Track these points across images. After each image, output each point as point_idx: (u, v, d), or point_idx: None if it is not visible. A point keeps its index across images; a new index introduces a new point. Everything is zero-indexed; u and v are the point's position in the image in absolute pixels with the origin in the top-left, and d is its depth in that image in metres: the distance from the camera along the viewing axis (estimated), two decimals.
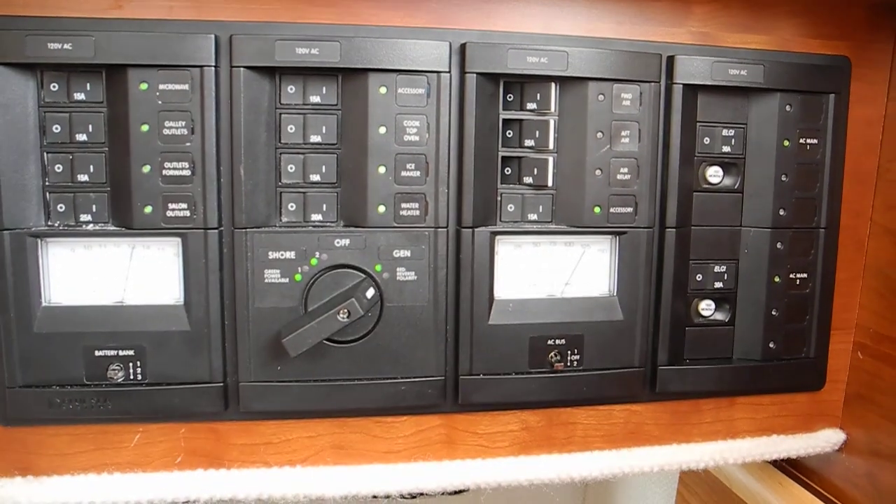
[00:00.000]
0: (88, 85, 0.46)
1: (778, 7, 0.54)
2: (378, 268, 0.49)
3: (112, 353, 0.47)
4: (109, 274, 0.48)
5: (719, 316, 0.55)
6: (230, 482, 0.50)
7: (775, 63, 0.52)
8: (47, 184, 0.47)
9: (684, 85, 0.51)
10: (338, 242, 0.48)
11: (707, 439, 0.57)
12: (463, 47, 0.48)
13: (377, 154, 0.47)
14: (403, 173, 0.48)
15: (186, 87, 0.46)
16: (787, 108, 0.53)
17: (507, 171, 0.50)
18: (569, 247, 0.52)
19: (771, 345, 0.55)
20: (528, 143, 0.50)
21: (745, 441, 0.57)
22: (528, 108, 0.50)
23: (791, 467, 0.63)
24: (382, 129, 0.47)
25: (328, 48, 0.46)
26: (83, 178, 0.47)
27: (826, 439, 0.58)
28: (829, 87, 0.53)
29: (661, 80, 0.51)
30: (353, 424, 0.52)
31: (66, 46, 0.44)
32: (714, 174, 0.53)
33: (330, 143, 0.48)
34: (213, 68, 0.46)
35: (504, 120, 0.50)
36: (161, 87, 0.45)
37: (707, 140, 0.53)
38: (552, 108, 0.50)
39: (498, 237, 0.50)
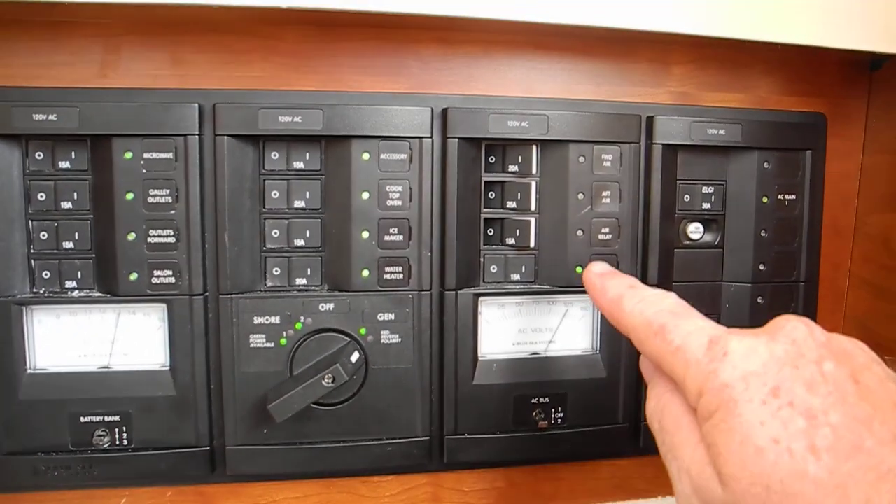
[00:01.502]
0: (73, 154, 0.46)
1: (753, 66, 0.55)
2: (363, 331, 0.49)
3: (98, 419, 0.48)
4: (95, 340, 0.48)
5: None
6: None
7: (752, 122, 0.53)
8: (32, 251, 0.47)
9: (664, 145, 0.52)
10: (322, 306, 0.49)
11: None
12: (445, 112, 0.49)
13: (360, 219, 0.48)
14: (387, 238, 0.48)
15: (171, 155, 0.46)
16: (766, 164, 0.54)
17: (490, 231, 0.51)
18: (552, 306, 0.53)
19: None
20: (511, 204, 0.51)
21: None
22: (509, 170, 0.51)
23: None
24: (365, 195, 0.48)
25: (311, 116, 0.47)
26: (68, 245, 0.47)
27: None
28: (806, 143, 0.54)
29: (641, 141, 0.52)
30: (339, 484, 0.52)
31: (51, 117, 0.45)
32: (695, 230, 0.54)
33: (314, 207, 0.49)
34: (196, 137, 0.46)
35: (486, 182, 0.51)
36: (146, 155, 0.46)
37: (687, 197, 0.54)
38: (533, 171, 0.51)
39: (481, 298, 0.51)
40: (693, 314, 0.34)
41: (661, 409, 0.34)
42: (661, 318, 0.34)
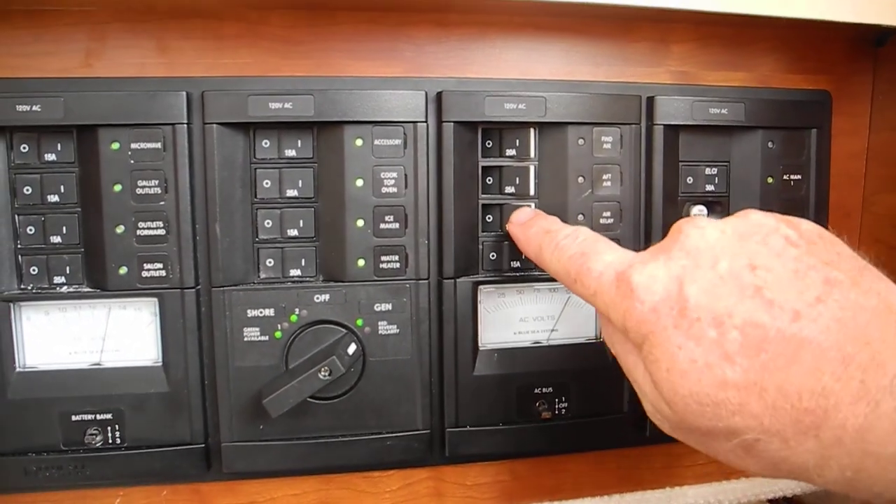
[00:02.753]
0: (59, 145, 0.45)
1: (757, 43, 0.53)
2: (359, 322, 0.48)
3: (89, 417, 0.46)
4: (85, 336, 0.47)
5: None
6: None
7: (756, 100, 0.51)
8: (19, 246, 0.46)
9: (665, 126, 0.50)
10: (317, 298, 0.47)
11: (701, 481, 0.56)
12: (439, 96, 0.47)
13: (355, 207, 0.47)
14: (382, 226, 0.47)
15: (159, 145, 0.45)
16: (770, 144, 0.52)
17: (489, 218, 0.50)
18: (553, 293, 0.51)
19: None
20: (509, 189, 0.49)
21: (741, 482, 0.56)
22: (507, 154, 0.49)
23: None
24: (360, 182, 0.47)
25: (302, 102, 0.45)
26: (56, 239, 0.46)
27: None
28: (811, 122, 0.53)
29: (642, 122, 0.50)
30: (338, 480, 0.51)
31: (35, 108, 0.43)
32: (698, 213, 0.52)
33: (307, 196, 0.47)
34: (185, 126, 0.45)
35: (483, 167, 0.49)
36: (133, 146, 0.45)
37: (690, 179, 0.52)
38: (532, 154, 0.49)
39: (481, 286, 0.50)
40: (601, 248, 0.36)
41: (611, 337, 0.35)
42: (575, 263, 0.36)
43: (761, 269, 0.28)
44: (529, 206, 0.49)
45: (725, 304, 0.28)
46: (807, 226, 0.30)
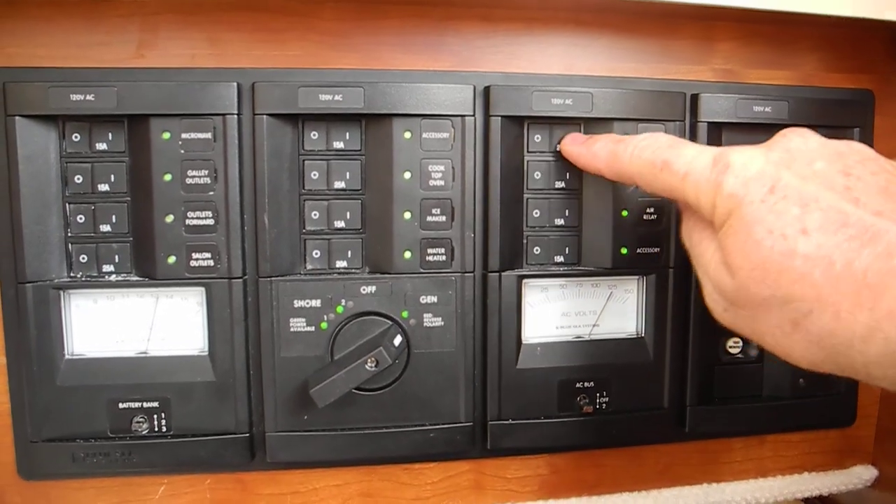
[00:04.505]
0: (110, 135, 0.46)
1: (800, 42, 0.53)
2: (405, 314, 0.48)
3: (136, 405, 0.47)
4: (133, 325, 0.48)
5: (748, 353, 0.54)
6: None
7: (799, 99, 0.51)
8: (69, 235, 0.46)
9: (709, 123, 0.50)
10: (364, 289, 0.48)
11: (738, 478, 0.56)
12: (487, 90, 0.47)
13: (402, 199, 0.47)
14: (429, 218, 0.47)
15: (209, 135, 0.45)
16: None
17: (536, 213, 0.50)
18: (596, 288, 0.51)
19: (801, 381, 0.54)
20: (559, 184, 0.49)
21: (777, 479, 0.56)
22: (555, 149, 0.49)
23: None
24: (407, 175, 0.47)
25: (352, 94, 0.46)
26: (105, 228, 0.46)
27: (858, 476, 0.57)
28: (853, 121, 0.53)
29: (686, 119, 0.50)
30: (380, 472, 0.51)
31: (88, 97, 0.44)
32: None
33: (354, 188, 0.48)
34: (235, 116, 0.45)
35: (531, 161, 0.49)
36: (183, 136, 0.45)
37: None
38: None
39: (525, 280, 0.50)
40: (688, 142, 0.37)
41: (690, 228, 0.38)
42: (661, 154, 0.37)
43: (853, 177, 0.30)
44: (574, 200, 0.50)
45: (814, 191, 0.30)
46: None
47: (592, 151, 0.44)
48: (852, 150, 0.32)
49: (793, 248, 0.29)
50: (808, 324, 0.29)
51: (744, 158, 0.33)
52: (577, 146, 0.46)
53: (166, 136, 0.45)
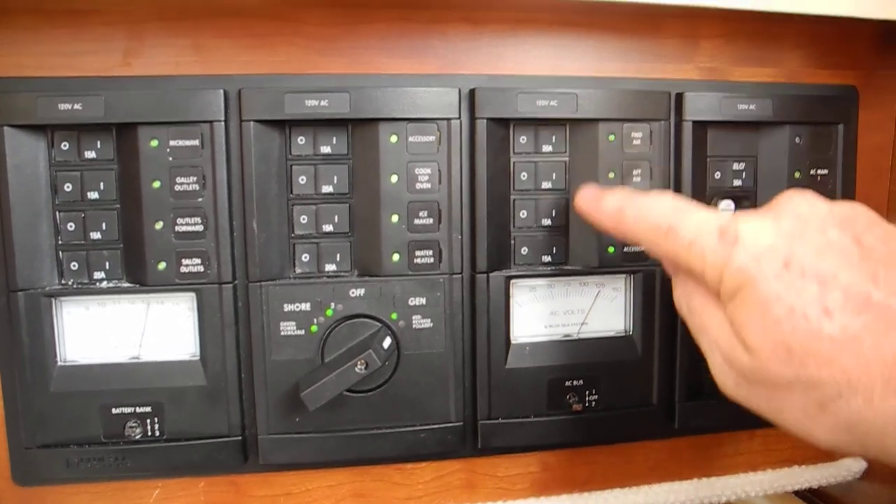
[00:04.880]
0: (99, 143, 0.46)
1: (784, 39, 0.54)
2: (394, 316, 0.48)
3: (129, 410, 0.47)
4: (124, 331, 0.48)
5: None
6: None
7: (783, 96, 0.52)
8: (60, 243, 0.46)
9: (694, 121, 0.51)
10: (353, 292, 0.48)
11: (728, 473, 0.56)
12: (472, 93, 0.48)
13: (390, 202, 0.47)
14: (416, 221, 0.48)
15: (197, 142, 0.46)
16: (797, 139, 0.53)
17: (523, 213, 0.50)
18: (584, 287, 0.52)
19: None
20: (546, 185, 0.50)
21: (767, 473, 0.57)
22: (541, 150, 0.50)
23: (815, 497, 0.63)
24: (394, 178, 0.47)
25: (338, 99, 0.46)
26: (96, 235, 0.47)
27: (847, 468, 0.58)
28: (838, 117, 0.53)
29: (671, 118, 0.51)
30: (373, 472, 0.51)
31: (76, 106, 0.44)
32: (726, 207, 0.53)
33: (342, 192, 0.48)
34: (222, 123, 0.46)
35: (517, 163, 0.50)
36: (171, 143, 0.45)
37: (718, 174, 0.53)
38: (563, 150, 0.50)
39: (513, 280, 0.50)
40: (694, 208, 0.36)
41: (689, 294, 0.36)
42: (666, 219, 0.35)
43: (866, 247, 0.30)
44: (561, 200, 0.50)
45: (830, 267, 0.29)
46: None
47: (599, 206, 0.41)
48: (857, 214, 0.32)
49: (818, 330, 0.28)
50: (836, 409, 0.28)
51: (753, 229, 0.31)
52: (586, 202, 0.43)
53: (154, 143, 0.45)
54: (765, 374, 0.30)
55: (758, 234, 0.31)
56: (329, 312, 0.48)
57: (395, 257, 0.48)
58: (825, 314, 0.28)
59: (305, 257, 0.48)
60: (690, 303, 0.36)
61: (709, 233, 0.33)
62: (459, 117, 0.48)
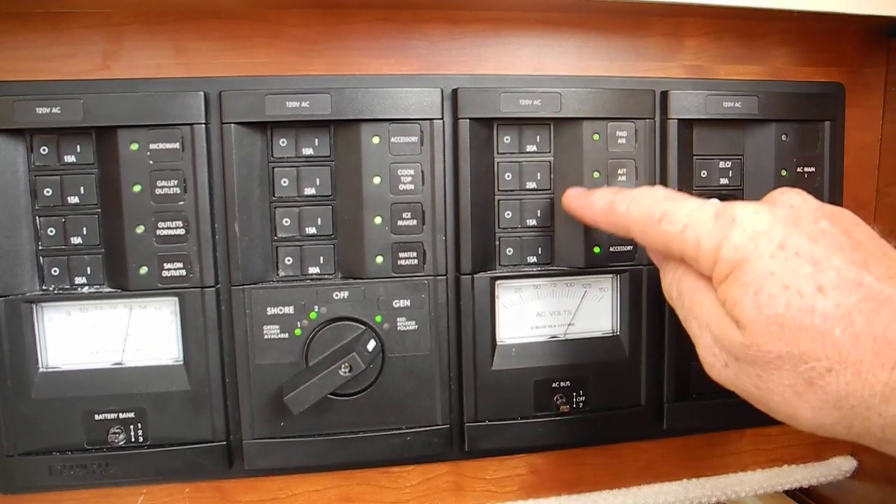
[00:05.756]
0: (78, 147, 0.45)
1: (769, 36, 0.53)
2: (378, 319, 0.48)
3: (112, 416, 0.47)
4: (107, 336, 0.47)
5: None
6: None
7: (769, 94, 0.51)
8: (40, 248, 0.46)
9: (679, 120, 0.50)
10: (336, 295, 0.48)
11: (718, 473, 0.56)
12: (455, 93, 0.47)
13: (373, 204, 0.47)
14: (400, 223, 0.47)
15: (177, 145, 0.45)
16: (783, 137, 0.52)
17: (508, 214, 0.50)
18: (570, 287, 0.52)
19: None
20: (530, 185, 0.49)
21: (757, 473, 0.56)
22: (525, 150, 0.49)
23: (806, 496, 0.62)
24: (377, 180, 0.47)
25: (319, 100, 0.46)
26: (76, 240, 0.46)
27: (838, 467, 0.57)
28: (824, 114, 0.53)
29: (656, 116, 0.50)
30: (359, 476, 0.51)
31: (54, 110, 0.44)
32: None
33: (324, 195, 0.48)
34: (203, 126, 0.45)
35: (501, 163, 0.49)
36: (152, 146, 0.45)
37: (704, 173, 0.53)
38: (548, 150, 0.49)
39: (498, 282, 0.50)
40: (688, 197, 0.36)
41: (678, 279, 0.36)
42: (660, 206, 0.36)
43: (856, 239, 0.31)
44: (547, 200, 0.50)
45: (824, 251, 0.30)
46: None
47: (589, 202, 0.43)
48: (845, 214, 0.33)
49: (811, 306, 0.29)
50: (825, 383, 0.29)
51: (750, 212, 0.32)
52: (575, 200, 0.45)
53: (134, 147, 0.45)
54: (756, 350, 0.30)
55: (754, 217, 0.32)
56: (313, 315, 0.48)
57: (379, 259, 0.47)
58: (819, 291, 0.29)
59: (288, 260, 0.48)
60: (681, 287, 0.36)
61: (704, 217, 0.33)
62: (442, 118, 0.47)
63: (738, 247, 0.31)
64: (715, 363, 0.34)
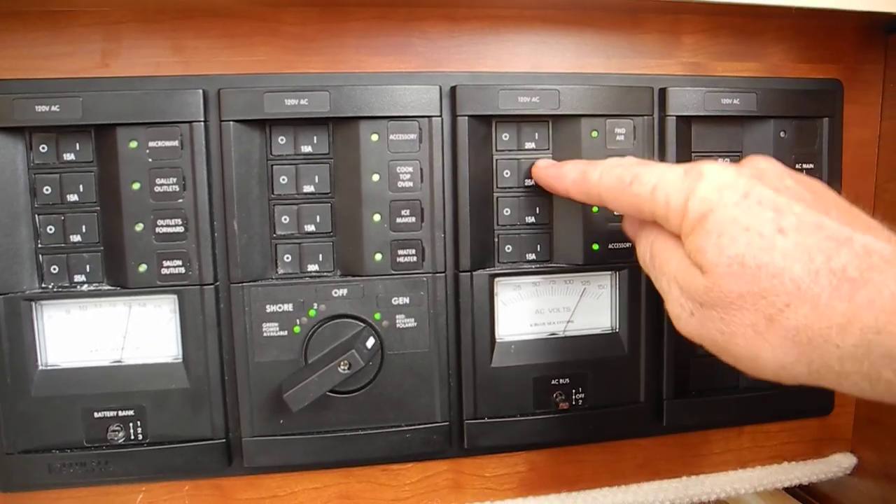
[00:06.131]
0: (78, 145, 0.46)
1: (767, 33, 0.53)
2: (377, 316, 0.48)
3: (112, 414, 0.47)
4: (106, 334, 0.48)
5: None
6: None
7: (767, 90, 0.52)
8: (40, 246, 0.46)
9: (677, 117, 0.50)
10: (335, 292, 0.48)
11: (717, 470, 0.56)
12: (453, 90, 0.47)
13: (371, 202, 0.47)
14: (399, 220, 0.47)
15: (176, 143, 0.45)
16: (782, 134, 0.52)
17: (507, 211, 0.50)
18: (569, 285, 0.52)
19: None
20: (529, 182, 0.49)
21: (756, 470, 0.56)
22: (523, 147, 0.49)
23: (805, 493, 0.62)
24: (376, 177, 0.47)
25: (317, 98, 0.46)
26: (76, 238, 0.46)
27: (837, 464, 0.57)
28: (823, 111, 0.53)
29: (654, 113, 0.50)
30: (358, 473, 0.51)
31: (53, 108, 0.44)
32: None
33: (323, 192, 0.48)
34: (202, 123, 0.45)
35: (500, 160, 0.50)
36: (151, 144, 0.45)
37: None
38: (547, 147, 0.50)
39: (497, 279, 0.50)
40: (654, 162, 0.38)
41: (651, 242, 0.38)
42: (630, 170, 0.37)
43: (819, 195, 0.32)
44: (546, 198, 0.50)
45: (787, 200, 0.31)
46: None
47: (561, 173, 0.44)
48: (812, 179, 0.35)
49: (771, 245, 0.30)
50: (784, 318, 0.29)
51: (716, 169, 0.33)
52: (545, 169, 0.46)
53: (133, 144, 0.45)
54: (718, 292, 0.31)
55: (721, 172, 0.33)
56: (312, 313, 0.48)
57: (378, 257, 0.48)
58: (779, 232, 0.30)
59: (287, 258, 0.48)
60: (653, 248, 0.37)
61: (673, 176, 0.35)
62: (441, 115, 0.47)
63: (703, 198, 0.32)
64: (682, 314, 0.35)
